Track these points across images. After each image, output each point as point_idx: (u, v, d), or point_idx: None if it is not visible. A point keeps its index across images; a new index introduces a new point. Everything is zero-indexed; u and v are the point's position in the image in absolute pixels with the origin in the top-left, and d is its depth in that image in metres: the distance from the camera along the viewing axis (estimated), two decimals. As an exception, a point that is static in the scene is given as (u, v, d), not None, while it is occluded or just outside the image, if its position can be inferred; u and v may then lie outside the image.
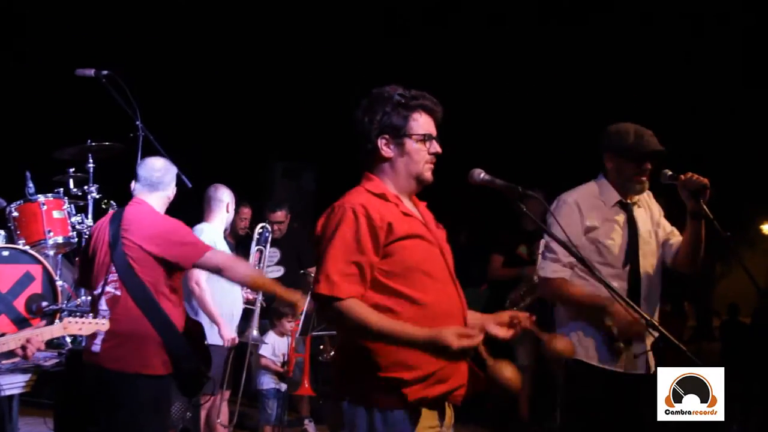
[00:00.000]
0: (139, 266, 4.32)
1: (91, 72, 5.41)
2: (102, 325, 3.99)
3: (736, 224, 11.70)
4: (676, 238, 4.16)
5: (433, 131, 3.13)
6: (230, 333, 5.80)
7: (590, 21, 10.44)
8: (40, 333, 3.77)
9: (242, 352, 6.68)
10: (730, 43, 10.57)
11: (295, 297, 4.75)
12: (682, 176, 3.87)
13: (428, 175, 3.13)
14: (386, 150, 3.08)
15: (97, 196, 5.75)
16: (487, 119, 10.90)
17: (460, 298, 3.08)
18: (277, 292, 4.68)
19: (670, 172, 3.93)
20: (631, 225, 4.10)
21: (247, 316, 6.38)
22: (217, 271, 4.51)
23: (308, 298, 6.74)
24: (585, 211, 4.08)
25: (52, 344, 5.15)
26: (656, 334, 3.38)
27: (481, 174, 3.29)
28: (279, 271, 7.48)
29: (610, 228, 4.08)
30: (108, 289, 4.38)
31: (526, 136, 10.99)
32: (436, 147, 3.11)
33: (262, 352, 6.74)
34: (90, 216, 5.69)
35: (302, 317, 6.68)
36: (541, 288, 4.27)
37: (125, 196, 4.69)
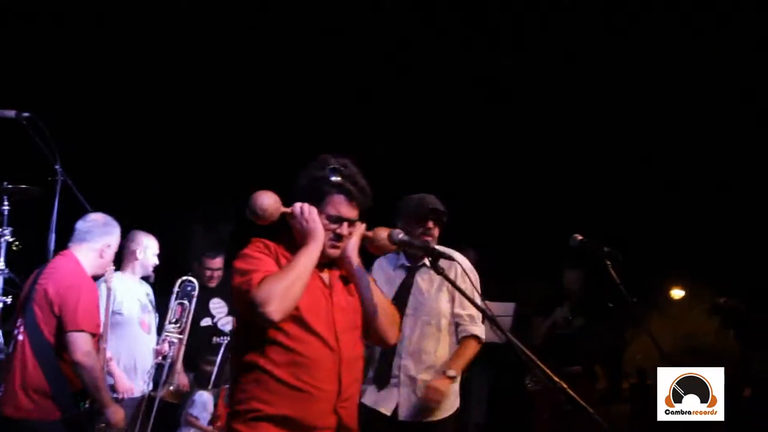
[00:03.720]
0: (42, 314, 4.30)
1: (12, 113, 5.33)
2: None
3: (645, 290, 12.00)
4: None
5: (349, 214, 3.20)
6: (125, 384, 5.62)
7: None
8: None
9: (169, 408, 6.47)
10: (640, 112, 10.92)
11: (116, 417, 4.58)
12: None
13: (330, 252, 3.21)
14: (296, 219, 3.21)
15: (11, 239, 5.62)
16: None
17: (340, 355, 3.18)
18: (104, 403, 4.52)
19: (580, 237, 4.07)
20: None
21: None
22: (72, 355, 4.35)
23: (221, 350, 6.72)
24: None
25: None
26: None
27: (399, 234, 3.40)
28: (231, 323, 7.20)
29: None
30: (17, 332, 4.39)
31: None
32: (344, 230, 3.19)
33: (190, 410, 6.58)
34: (1, 258, 5.56)
35: (215, 369, 6.62)
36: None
37: (40, 240, 4.65)
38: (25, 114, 5.33)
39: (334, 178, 3.14)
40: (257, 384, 3.09)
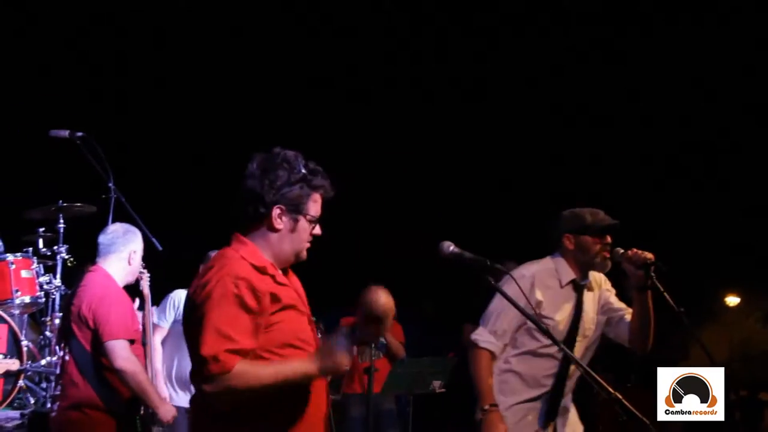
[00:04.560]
0: (80, 331, 4.36)
1: (65, 133, 5.44)
2: (11, 364, 4.03)
3: (699, 297, 11.85)
4: (629, 314, 4.20)
5: (321, 213, 3.04)
6: (168, 412, 5.07)
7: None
8: None
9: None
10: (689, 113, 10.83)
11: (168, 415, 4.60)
12: (629, 252, 3.98)
13: (305, 254, 3.04)
14: (278, 221, 2.94)
15: (66, 257, 5.73)
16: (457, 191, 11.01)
17: None
18: (155, 405, 4.52)
19: (622, 250, 4.03)
20: (578, 307, 4.17)
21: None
22: (114, 363, 4.34)
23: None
24: (538, 286, 4.16)
25: (14, 405, 5.12)
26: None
27: (450, 247, 3.33)
28: None
29: (557, 307, 4.15)
30: (62, 353, 4.45)
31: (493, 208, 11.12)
32: (318, 230, 3.03)
33: None
34: (58, 276, 5.67)
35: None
36: (469, 350, 4.33)
37: (95, 257, 4.72)
38: (79, 134, 5.45)
39: (313, 180, 2.96)
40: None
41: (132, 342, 4.45)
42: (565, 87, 10.58)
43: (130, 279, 4.78)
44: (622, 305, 4.25)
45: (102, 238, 4.69)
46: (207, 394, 2.76)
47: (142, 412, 4.53)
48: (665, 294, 3.85)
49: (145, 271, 5.18)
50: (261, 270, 2.88)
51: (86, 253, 5.32)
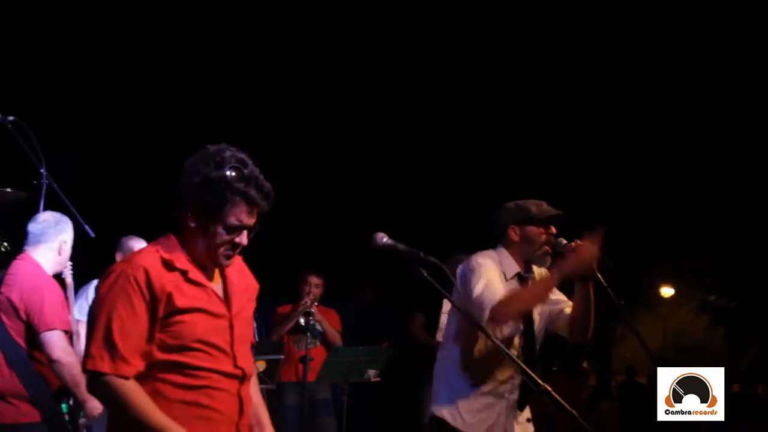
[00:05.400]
0: (9, 320, 4.28)
1: (-4, 117, 5.32)
2: None
3: (635, 288, 12.05)
4: (569, 307, 4.20)
5: (249, 221, 2.78)
6: (95, 409, 4.76)
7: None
8: None
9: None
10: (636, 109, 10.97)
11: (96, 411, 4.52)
12: (572, 244, 4.00)
13: (223, 261, 2.82)
14: (190, 220, 2.77)
15: (-1, 241, 5.62)
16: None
17: (240, 377, 2.89)
18: (84, 398, 4.39)
19: (565, 241, 4.06)
20: None
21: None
22: (51, 354, 4.26)
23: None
24: None
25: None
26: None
27: (383, 238, 3.33)
28: None
29: None
30: None
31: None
32: (243, 239, 2.79)
33: None
34: (-12, 261, 5.54)
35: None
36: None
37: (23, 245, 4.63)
38: (10, 117, 5.31)
39: (237, 184, 2.71)
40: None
41: (67, 332, 4.38)
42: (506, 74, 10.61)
43: (58, 269, 4.71)
44: (562, 297, 4.26)
45: (32, 227, 4.60)
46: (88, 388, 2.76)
47: (71, 402, 4.48)
48: (607, 287, 3.90)
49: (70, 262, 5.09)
50: (168, 263, 2.76)
51: (16, 240, 5.21)
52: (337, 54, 10.04)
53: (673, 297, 15.91)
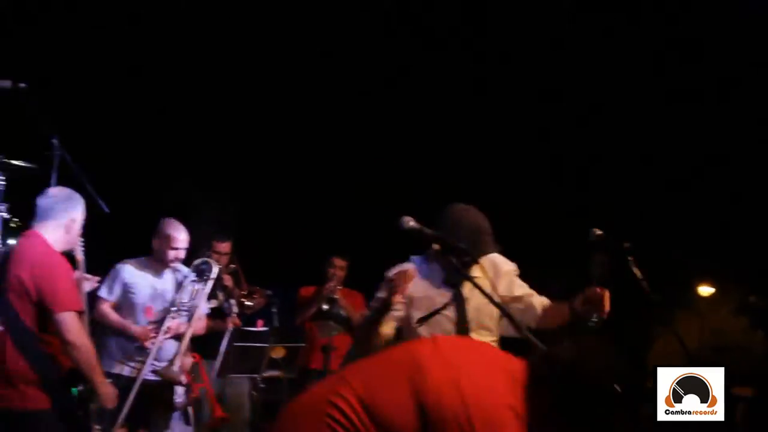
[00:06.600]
0: (19, 301, 4.10)
1: (8, 83, 5.12)
2: None
3: (673, 286, 11.78)
4: (535, 298, 4.11)
5: None
6: (109, 395, 4.60)
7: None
8: None
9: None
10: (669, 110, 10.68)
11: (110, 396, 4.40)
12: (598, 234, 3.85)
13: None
14: None
15: (7, 216, 5.43)
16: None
17: None
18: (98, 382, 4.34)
19: (599, 231, 3.87)
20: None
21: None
22: (65, 336, 4.15)
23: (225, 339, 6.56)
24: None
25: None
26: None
27: (410, 222, 3.38)
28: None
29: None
30: None
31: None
32: None
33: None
34: (-1, 236, 5.38)
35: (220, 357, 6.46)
36: None
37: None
38: (22, 84, 5.12)
39: None
40: None
41: (81, 313, 4.25)
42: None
43: (67, 248, 4.55)
44: (526, 291, 4.17)
45: (41, 201, 4.45)
46: None
47: (81, 387, 4.32)
48: (641, 281, 3.77)
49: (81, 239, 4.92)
50: None
51: (29, 212, 5.04)
52: (362, 39, 9.84)
53: (712, 296, 15.62)
